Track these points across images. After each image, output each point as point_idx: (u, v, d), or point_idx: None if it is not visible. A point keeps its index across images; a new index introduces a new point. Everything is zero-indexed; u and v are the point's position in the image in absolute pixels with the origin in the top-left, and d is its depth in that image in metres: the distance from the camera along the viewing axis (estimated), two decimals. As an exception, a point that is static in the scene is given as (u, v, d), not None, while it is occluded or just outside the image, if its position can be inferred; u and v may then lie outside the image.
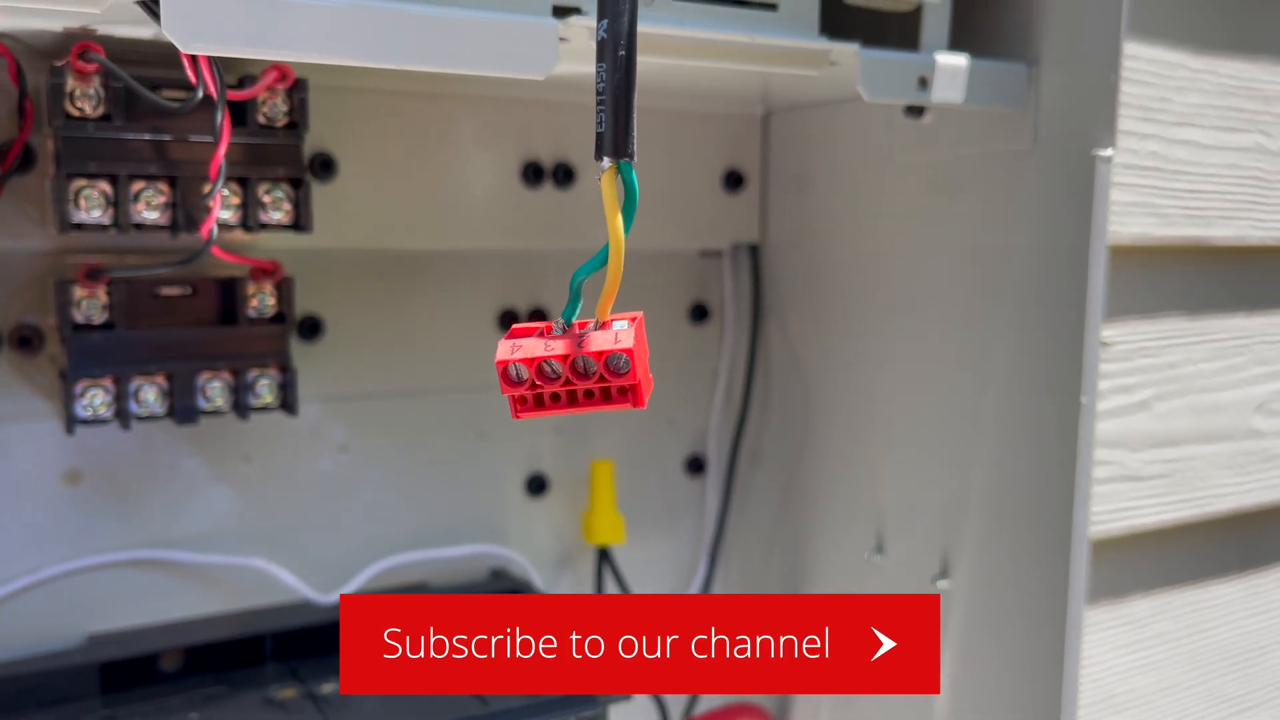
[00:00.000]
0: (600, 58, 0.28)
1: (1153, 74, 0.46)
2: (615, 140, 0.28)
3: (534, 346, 0.30)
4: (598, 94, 0.28)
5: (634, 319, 0.30)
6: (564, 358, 0.30)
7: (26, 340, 0.49)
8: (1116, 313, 0.47)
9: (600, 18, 0.28)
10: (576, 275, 0.30)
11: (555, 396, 0.30)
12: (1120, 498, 0.48)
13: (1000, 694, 0.52)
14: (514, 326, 0.31)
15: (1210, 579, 0.53)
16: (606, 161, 0.28)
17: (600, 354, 0.29)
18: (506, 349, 0.30)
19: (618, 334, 0.30)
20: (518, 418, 0.31)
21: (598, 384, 0.30)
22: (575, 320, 0.30)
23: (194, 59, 0.38)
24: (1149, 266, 0.48)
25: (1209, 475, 0.51)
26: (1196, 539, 0.52)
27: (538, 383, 0.30)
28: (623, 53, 0.27)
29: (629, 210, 0.29)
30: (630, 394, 0.30)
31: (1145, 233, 0.47)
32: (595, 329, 0.30)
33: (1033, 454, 0.50)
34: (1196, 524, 0.52)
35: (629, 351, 0.29)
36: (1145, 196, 0.47)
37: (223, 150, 0.41)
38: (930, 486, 0.56)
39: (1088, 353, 0.46)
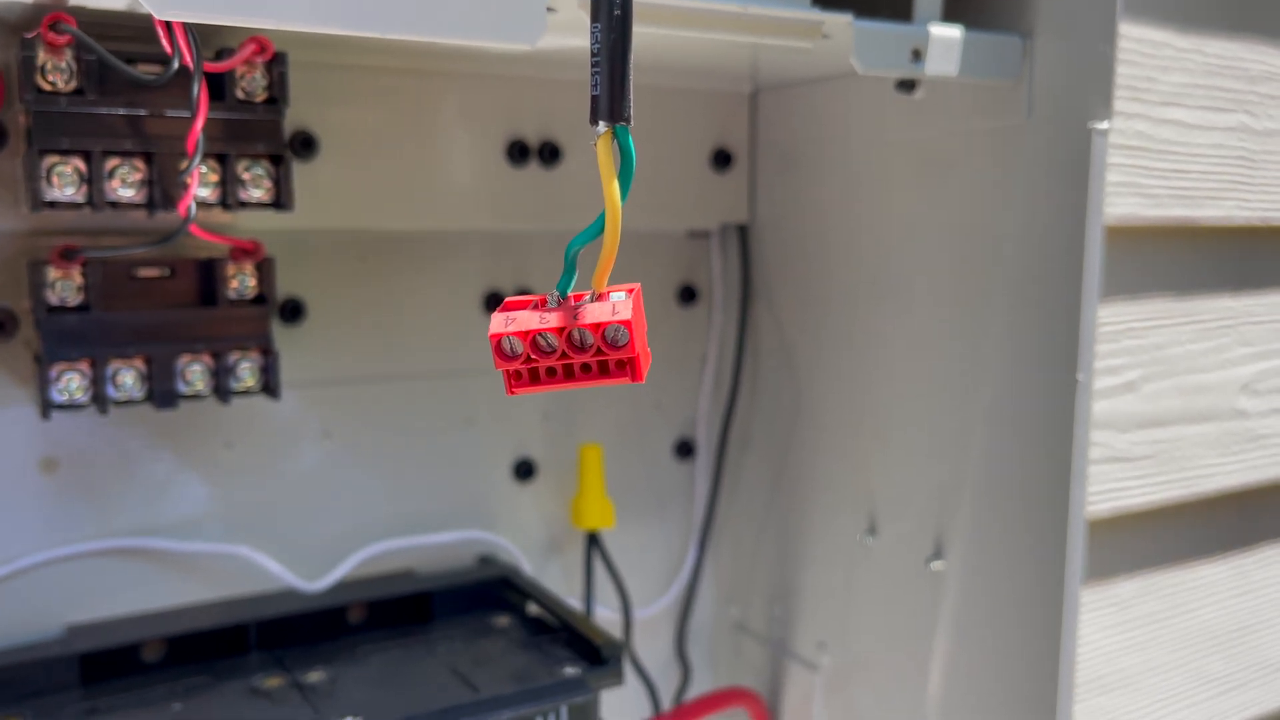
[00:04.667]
0: (595, 18, 0.27)
1: (1140, 53, 0.46)
2: (611, 104, 0.27)
3: (528, 319, 0.29)
4: (592, 55, 0.27)
5: (632, 290, 0.30)
6: (560, 330, 0.29)
7: (-1, 324, 0.48)
8: (1105, 293, 0.47)
9: (595, -23, 0.27)
10: (571, 245, 0.29)
11: (551, 371, 0.29)
12: (1108, 478, 0.49)
13: (995, 675, 0.52)
14: (507, 300, 0.30)
15: (1196, 559, 0.54)
16: (602, 126, 0.27)
17: (598, 326, 0.29)
18: (500, 322, 0.29)
19: (615, 305, 0.29)
20: (512, 394, 0.30)
21: (595, 357, 0.29)
22: (571, 292, 0.30)
23: (169, 27, 0.37)
24: (1136, 247, 0.48)
25: (1195, 455, 0.52)
26: (1182, 519, 0.52)
27: (533, 357, 0.29)
28: (618, 11, 0.27)
29: (626, 177, 0.28)
30: (629, 367, 0.29)
31: (1132, 213, 0.47)
32: (591, 301, 0.29)
33: (1027, 433, 0.50)
34: (1183, 504, 0.52)
35: (628, 323, 0.28)
36: (1132, 176, 0.47)
37: (200, 123, 0.40)
38: (923, 467, 0.55)
39: (1084, 330, 0.46)
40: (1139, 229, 0.48)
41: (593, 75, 0.27)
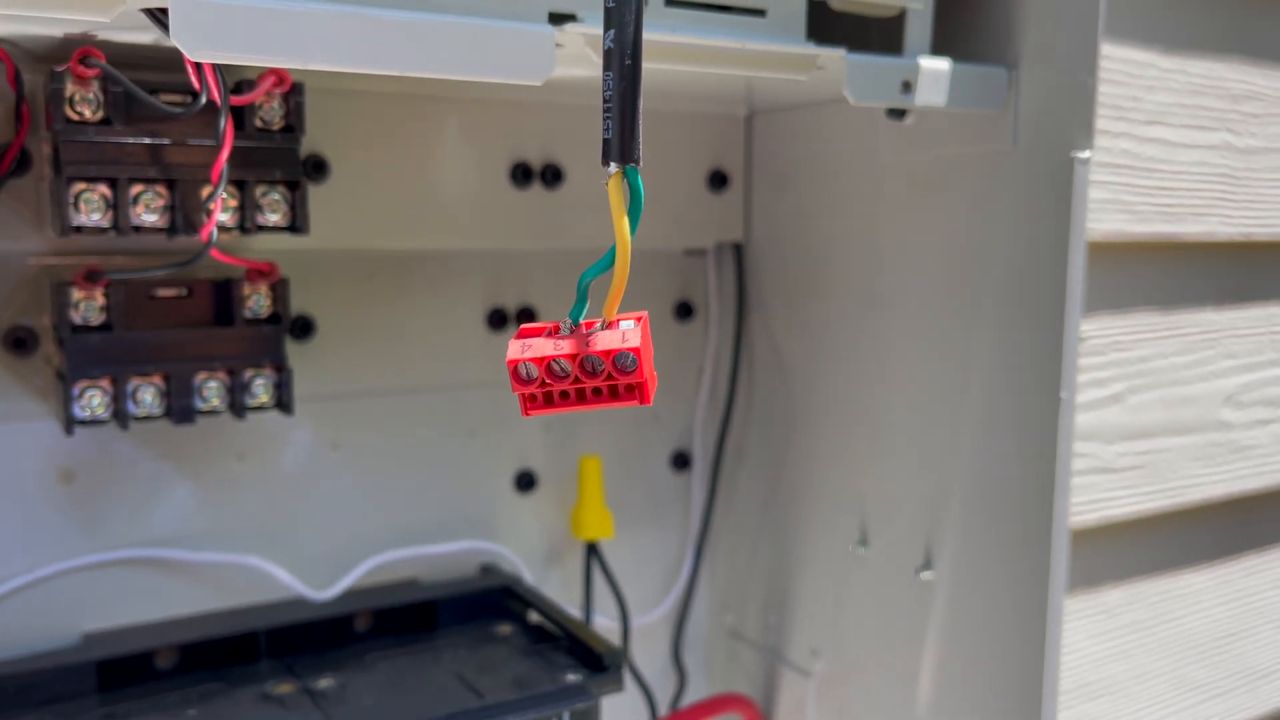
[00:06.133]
0: (607, 67, 0.29)
1: (1124, 73, 0.47)
2: (622, 146, 0.29)
3: (543, 346, 0.31)
4: (604, 102, 0.29)
5: (639, 318, 0.31)
6: (573, 357, 0.31)
7: (21, 342, 0.49)
8: (1091, 308, 0.48)
9: (607, 28, 0.29)
10: (584, 277, 0.31)
11: (564, 394, 0.31)
12: (1095, 489, 0.49)
13: (982, 683, 0.53)
14: (522, 327, 0.32)
15: (1181, 568, 0.54)
16: (613, 167, 0.29)
17: (608, 353, 0.30)
18: (517, 348, 0.31)
19: (625, 333, 0.31)
20: (528, 415, 0.31)
21: (605, 382, 0.31)
22: (582, 320, 0.31)
23: (198, 65, 0.38)
24: (1122, 262, 0.49)
25: (1180, 467, 0.52)
26: (1168, 529, 0.53)
27: (547, 381, 0.31)
28: (629, 62, 0.28)
29: (635, 213, 0.30)
30: (637, 391, 0.31)
31: (1118, 229, 0.48)
32: (602, 329, 0.31)
33: (1013, 447, 0.51)
34: (1168, 514, 0.53)
35: (636, 350, 0.30)
36: (1118, 194, 0.47)
37: (225, 154, 0.41)
38: (913, 479, 0.56)
39: (1066, 348, 0.47)
40: (1124, 244, 0.48)
41: (605, 120, 0.29)
